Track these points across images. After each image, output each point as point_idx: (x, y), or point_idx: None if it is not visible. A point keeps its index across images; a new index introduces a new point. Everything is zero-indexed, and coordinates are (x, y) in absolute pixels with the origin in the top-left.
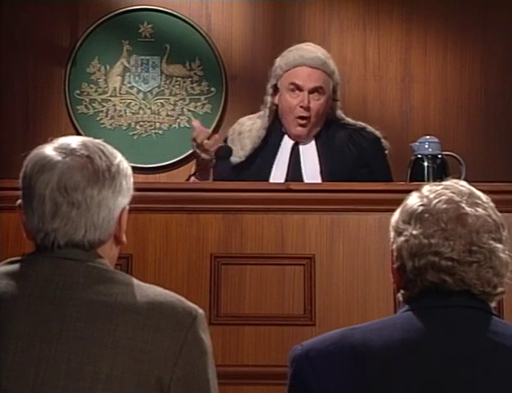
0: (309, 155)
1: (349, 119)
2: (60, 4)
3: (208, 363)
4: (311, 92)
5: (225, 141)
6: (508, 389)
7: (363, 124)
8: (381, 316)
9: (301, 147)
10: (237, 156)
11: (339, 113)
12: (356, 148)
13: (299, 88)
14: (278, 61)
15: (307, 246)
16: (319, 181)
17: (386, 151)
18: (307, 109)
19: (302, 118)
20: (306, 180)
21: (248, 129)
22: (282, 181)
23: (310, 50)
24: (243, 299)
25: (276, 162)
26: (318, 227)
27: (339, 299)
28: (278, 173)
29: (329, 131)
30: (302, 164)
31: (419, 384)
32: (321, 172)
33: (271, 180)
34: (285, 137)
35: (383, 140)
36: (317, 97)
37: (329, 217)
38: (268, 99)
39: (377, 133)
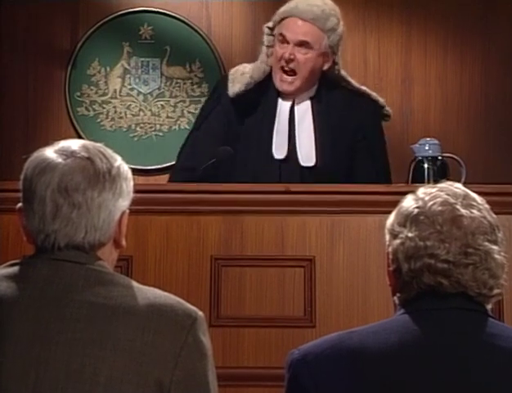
0: (304, 121)
1: (353, 82)
2: (60, 6)
3: (208, 365)
4: (297, 44)
5: (225, 80)
6: (505, 390)
7: (368, 91)
8: (381, 318)
9: (296, 110)
10: (236, 90)
11: (343, 73)
12: (353, 118)
13: (286, 40)
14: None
15: (308, 247)
16: (313, 149)
17: (386, 118)
18: (289, 61)
19: (285, 72)
20: (299, 147)
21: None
22: (285, 149)
23: (309, 2)
24: (243, 301)
25: (275, 128)
26: (318, 228)
27: (339, 301)
28: (279, 142)
29: (327, 93)
30: (296, 132)
31: (417, 386)
32: (316, 142)
33: (274, 148)
34: (280, 99)
35: (387, 108)
36: (304, 51)
37: (329, 219)
38: (265, 38)
39: (380, 100)
